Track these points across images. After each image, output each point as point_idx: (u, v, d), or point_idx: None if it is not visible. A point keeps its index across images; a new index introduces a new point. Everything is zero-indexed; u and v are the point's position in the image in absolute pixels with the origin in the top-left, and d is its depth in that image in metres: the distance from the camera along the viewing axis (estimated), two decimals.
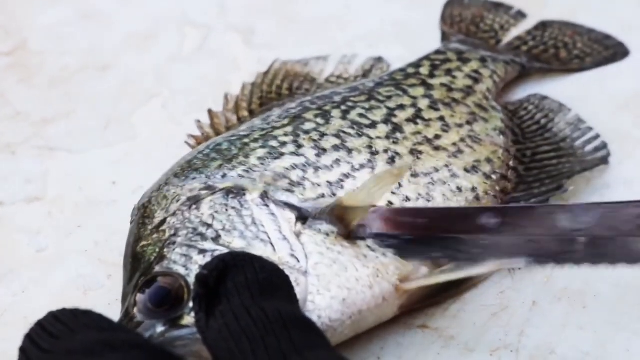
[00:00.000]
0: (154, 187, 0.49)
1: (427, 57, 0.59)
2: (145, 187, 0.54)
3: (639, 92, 0.59)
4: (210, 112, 0.55)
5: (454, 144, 0.51)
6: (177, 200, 0.46)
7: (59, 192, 0.56)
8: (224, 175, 0.47)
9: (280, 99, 0.57)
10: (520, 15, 0.66)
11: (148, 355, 0.35)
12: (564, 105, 0.56)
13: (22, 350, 0.36)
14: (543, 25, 0.65)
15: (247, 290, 0.37)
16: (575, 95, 0.58)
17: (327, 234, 0.44)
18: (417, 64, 0.58)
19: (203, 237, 0.43)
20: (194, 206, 0.45)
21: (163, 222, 0.45)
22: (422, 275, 0.44)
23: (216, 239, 0.43)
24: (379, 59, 0.62)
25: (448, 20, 0.66)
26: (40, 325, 0.36)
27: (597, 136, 0.53)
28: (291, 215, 0.44)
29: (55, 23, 0.71)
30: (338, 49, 0.64)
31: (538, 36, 0.63)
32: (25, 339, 0.36)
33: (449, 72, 0.57)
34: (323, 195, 0.46)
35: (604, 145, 0.53)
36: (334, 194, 0.46)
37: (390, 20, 0.68)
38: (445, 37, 0.64)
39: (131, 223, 0.48)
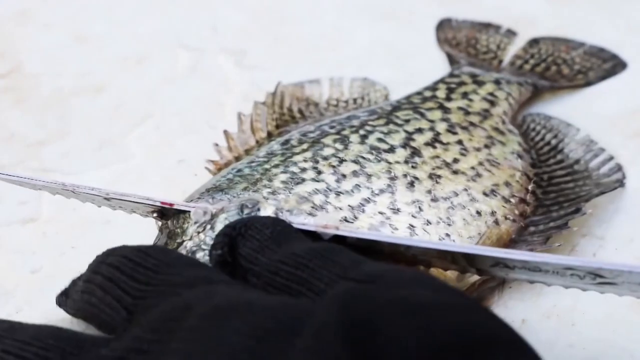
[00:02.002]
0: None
1: (442, 81, 0.59)
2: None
3: (626, 111, 0.59)
4: (226, 133, 0.55)
5: (473, 168, 0.51)
6: (195, 222, 0.46)
7: (54, 214, 0.56)
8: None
9: (294, 121, 0.58)
10: (511, 34, 0.67)
11: (245, 288, 0.35)
12: (571, 124, 0.56)
13: (108, 279, 0.36)
14: (535, 42, 0.65)
15: (266, 248, 0.38)
16: (562, 114, 0.59)
17: None
18: (433, 87, 0.58)
19: None
20: (208, 226, 0.45)
21: (180, 245, 0.45)
22: None
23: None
24: (366, 80, 0.63)
25: (446, 44, 0.67)
26: (125, 257, 0.36)
27: (610, 157, 0.54)
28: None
29: (50, 46, 0.72)
30: (329, 70, 0.64)
31: (535, 53, 0.64)
32: (105, 267, 0.36)
33: (465, 95, 0.57)
34: (345, 219, 0.46)
35: (618, 168, 0.53)
36: (356, 217, 0.46)
37: (380, 41, 0.69)
38: (452, 60, 0.65)
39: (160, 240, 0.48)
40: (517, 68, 0.63)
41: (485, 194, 0.50)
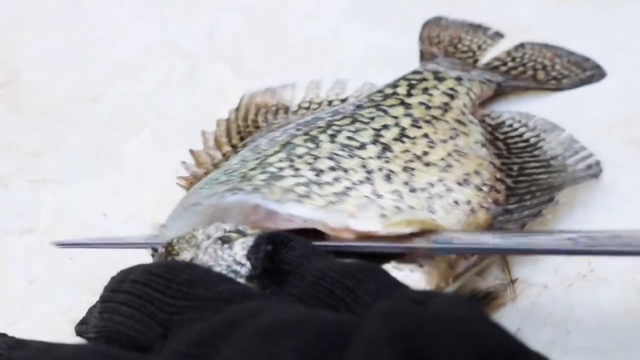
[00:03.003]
0: (169, 223, 0.49)
1: (404, 77, 0.59)
2: (136, 217, 0.55)
3: (620, 117, 0.59)
4: (192, 152, 0.56)
5: (443, 159, 0.51)
6: (208, 238, 0.46)
7: (51, 224, 0.56)
8: (234, 194, 0.47)
9: (258, 131, 0.58)
10: (498, 36, 0.67)
11: (281, 301, 0.35)
12: (558, 126, 0.56)
13: (137, 296, 0.36)
14: (522, 47, 0.66)
15: (311, 256, 0.38)
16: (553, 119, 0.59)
17: None
18: (394, 85, 0.58)
19: (237, 274, 0.43)
20: (225, 245, 0.44)
21: (193, 259, 0.45)
22: None
23: (250, 278, 0.43)
24: (343, 82, 0.63)
25: (426, 41, 0.67)
26: (151, 273, 0.36)
27: (590, 154, 0.54)
28: None
29: (47, 54, 0.72)
30: (324, 75, 0.64)
31: (517, 57, 0.64)
32: (129, 285, 0.36)
33: (425, 90, 0.57)
34: (332, 202, 0.46)
35: (597, 163, 0.53)
36: (342, 200, 0.46)
37: (376, 46, 0.69)
38: (423, 56, 0.65)
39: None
40: (490, 68, 0.63)
41: (459, 183, 0.50)
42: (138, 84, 0.68)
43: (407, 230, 0.45)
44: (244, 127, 0.58)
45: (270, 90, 0.62)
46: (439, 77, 0.59)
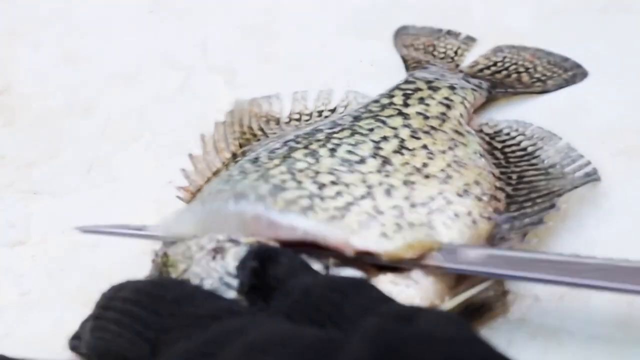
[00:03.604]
0: (170, 223, 0.49)
1: (397, 87, 0.59)
2: None
3: (612, 127, 0.59)
4: (191, 157, 0.56)
5: (442, 170, 0.51)
6: (201, 249, 0.46)
7: (43, 236, 0.56)
8: (235, 203, 0.47)
9: (255, 139, 0.58)
10: (470, 40, 0.68)
11: (266, 318, 0.35)
12: (555, 134, 0.56)
13: (126, 314, 0.36)
14: (500, 50, 0.66)
15: (299, 272, 0.38)
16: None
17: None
18: (389, 95, 0.58)
19: (229, 286, 0.43)
20: (218, 256, 0.45)
21: (186, 270, 0.45)
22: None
23: (241, 290, 0.43)
24: (328, 92, 0.63)
25: (404, 50, 0.67)
26: (140, 291, 0.36)
27: (588, 162, 0.53)
28: (317, 266, 0.44)
29: (40, 66, 0.72)
30: (318, 87, 0.64)
31: (499, 62, 0.65)
32: (119, 302, 0.36)
33: (421, 100, 0.57)
34: (334, 217, 0.46)
35: (594, 171, 0.53)
36: (344, 216, 0.46)
37: (369, 58, 0.69)
38: (407, 63, 0.65)
39: (155, 270, 0.48)
40: (475, 74, 0.63)
41: (459, 194, 0.50)
42: (131, 96, 0.68)
43: (407, 255, 0.45)
44: (241, 133, 0.58)
45: (255, 101, 0.62)
46: (432, 87, 0.59)
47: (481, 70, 0.64)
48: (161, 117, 0.66)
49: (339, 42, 0.71)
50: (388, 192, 0.49)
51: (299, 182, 0.48)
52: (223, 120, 0.58)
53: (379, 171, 0.50)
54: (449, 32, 0.69)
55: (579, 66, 0.64)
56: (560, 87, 0.62)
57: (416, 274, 0.45)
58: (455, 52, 0.66)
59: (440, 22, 0.70)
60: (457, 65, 0.65)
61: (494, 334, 0.46)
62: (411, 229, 0.47)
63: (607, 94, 0.62)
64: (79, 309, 0.51)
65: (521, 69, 0.64)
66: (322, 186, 0.48)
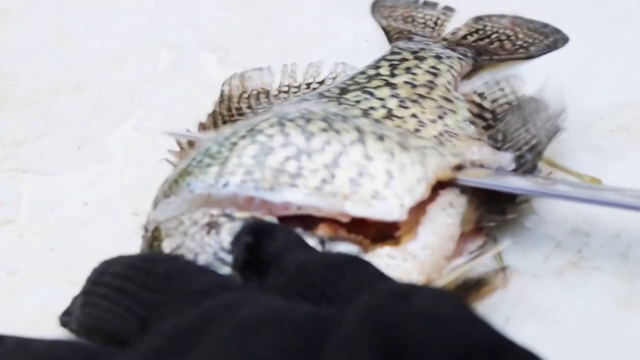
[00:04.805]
0: (160, 207, 0.48)
1: (383, 58, 0.59)
2: (118, 208, 0.55)
3: (611, 104, 0.59)
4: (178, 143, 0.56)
5: (435, 137, 0.51)
6: (195, 224, 0.45)
7: (31, 215, 0.56)
8: (225, 184, 0.46)
9: (244, 118, 0.57)
10: (449, 10, 0.68)
11: (259, 294, 0.34)
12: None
13: (116, 289, 0.35)
14: (481, 19, 0.65)
15: (295, 248, 0.37)
16: None
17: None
18: (375, 66, 0.58)
19: (223, 262, 0.43)
20: (212, 231, 0.44)
21: (180, 245, 0.44)
22: None
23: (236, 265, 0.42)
24: (318, 65, 0.62)
25: (383, 21, 0.67)
26: (132, 266, 0.36)
27: (563, 111, 0.52)
28: (313, 241, 0.44)
29: (29, 45, 0.71)
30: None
31: (480, 30, 0.64)
32: (109, 278, 0.36)
33: (408, 69, 0.57)
34: (324, 180, 0.46)
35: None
36: (333, 175, 0.46)
37: (364, 36, 0.68)
38: (390, 37, 0.65)
39: (146, 245, 0.47)
40: (458, 40, 0.63)
41: (453, 154, 0.49)
42: (122, 75, 0.67)
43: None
44: (228, 117, 0.58)
45: (246, 74, 0.61)
46: (419, 57, 0.58)
47: (464, 37, 0.64)
48: (152, 96, 0.65)
49: (333, 18, 0.70)
50: (380, 138, 0.48)
51: (287, 135, 0.48)
52: (212, 110, 0.58)
53: (371, 124, 0.50)
54: (425, 3, 0.69)
55: (558, 31, 0.64)
56: (543, 52, 0.62)
57: (413, 247, 0.45)
58: (435, 23, 0.66)
59: None
60: (439, 34, 0.64)
61: (491, 311, 0.46)
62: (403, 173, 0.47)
63: (606, 72, 0.61)
64: (69, 289, 0.50)
65: (503, 37, 0.64)
66: (310, 135, 0.48)
